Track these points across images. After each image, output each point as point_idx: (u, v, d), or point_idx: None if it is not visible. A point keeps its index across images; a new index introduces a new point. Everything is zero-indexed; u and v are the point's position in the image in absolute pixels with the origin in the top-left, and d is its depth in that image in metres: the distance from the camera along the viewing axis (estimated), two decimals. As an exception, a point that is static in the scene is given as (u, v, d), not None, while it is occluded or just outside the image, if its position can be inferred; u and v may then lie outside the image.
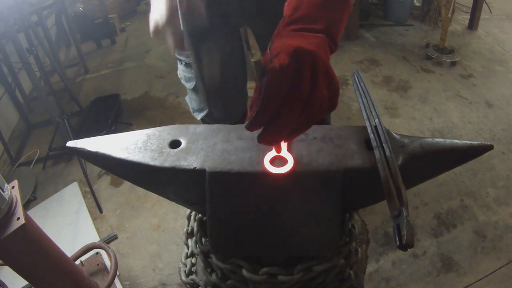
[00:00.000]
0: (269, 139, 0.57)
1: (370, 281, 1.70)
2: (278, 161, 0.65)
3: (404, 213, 0.52)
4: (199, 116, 1.31)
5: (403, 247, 0.50)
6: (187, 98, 1.35)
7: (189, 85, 1.24)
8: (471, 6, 3.70)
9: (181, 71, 1.25)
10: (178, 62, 1.24)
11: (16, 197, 1.14)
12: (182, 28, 1.05)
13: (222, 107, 1.26)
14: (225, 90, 1.22)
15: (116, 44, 4.15)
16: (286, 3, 0.62)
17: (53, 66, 2.80)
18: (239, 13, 1.05)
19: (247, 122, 0.54)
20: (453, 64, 3.21)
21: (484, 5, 3.75)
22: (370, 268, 1.74)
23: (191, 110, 1.34)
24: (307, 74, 0.53)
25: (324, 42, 0.57)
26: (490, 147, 0.65)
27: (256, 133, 0.56)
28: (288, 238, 0.68)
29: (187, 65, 1.20)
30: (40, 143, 2.74)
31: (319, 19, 0.58)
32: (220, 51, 1.13)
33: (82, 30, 4.06)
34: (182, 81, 1.28)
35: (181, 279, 0.86)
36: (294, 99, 0.52)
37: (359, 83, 0.83)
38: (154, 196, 2.06)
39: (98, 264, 1.75)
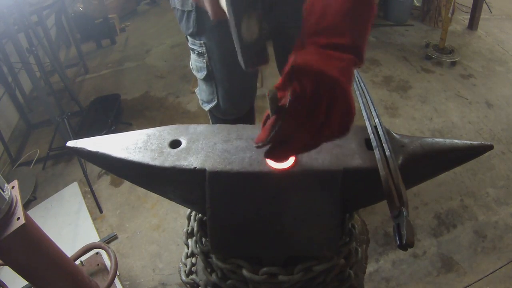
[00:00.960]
0: (277, 157, 0.60)
1: (370, 281, 1.70)
2: None
3: (404, 213, 0.52)
4: (207, 107, 1.34)
5: (403, 246, 0.50)
6: (197, 90, 1.38)
7: (200, 75, 1.26)
8: (471, 6, 3.70)
9: (193, 60, 1.27)
10: (191, 52, 1.26)
11: (16, 197, 1.14)
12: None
13: (230, 96, 1.28)
14: (235, 82, 1.24)
15: (116, 44, 4.15)
16: (308, 5, 0.58)
17: (53, 66, 2.80)
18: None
19: (263, 146, 0.56)
20: (453, 64, 3.21)
21: (484, 5, 3.75)
22: (370, 268, 1.74)
23: (200, 102, 1.37)
24: (325, 101, 0.52)
25: (350, 65, 0.54)
26: (490, 147, 0.65)
27: (256, 132, 0.57)
28: (288, 238, 0.68)
29: (199, 54, 1.21)
30: (40, 143, 2.74)
31: (346, 31, 0.55)
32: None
33: (82, 30, 4.06)
34: (194, 72, 1.30)
35: (181, 279, 0.86)
36: (309, 124, 0.53)
37: (359, 83, 0.83)
38: (154, 196, 2.06)
39: (98, 264, 1.75)
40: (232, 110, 1.33)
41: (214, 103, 1.29)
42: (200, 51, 1.20)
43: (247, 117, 1.44)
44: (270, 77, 3.17)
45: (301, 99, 0.51)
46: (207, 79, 1.25)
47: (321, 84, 0.51)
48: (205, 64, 1.21)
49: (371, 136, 0.66)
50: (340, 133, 0.55)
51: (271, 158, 0.59)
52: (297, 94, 0.51)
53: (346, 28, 0.55)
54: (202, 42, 1.17)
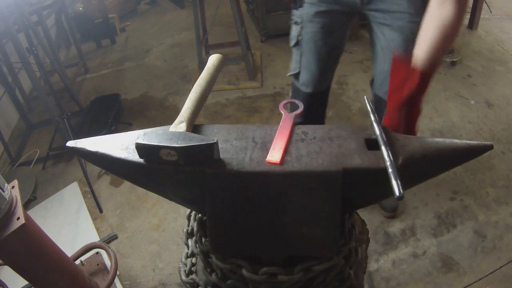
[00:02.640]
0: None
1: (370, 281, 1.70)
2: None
3: (395, 166, 0.59)
4: (290, 73, 1.54)
5: (401, 197, 0.57)
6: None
7: (292, 43, 1.47)
8: (471, 6, 3.70)
9: (292, 29, 1.47)
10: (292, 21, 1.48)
11: (16, 197, 1.14)
12: None
13: (311, 69, 1.47)
14: (318, 57, 1.44)
15: (116, 44, 4.15)
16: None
17: (53, 66, 2.80)
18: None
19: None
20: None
21: (484, 5, 3.75)
22: (370, 268, 1.75)
23: (289, 70, 1.57)
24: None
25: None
26: (490, 147, 0.65)
27: (255, 133, 0.56)
28: (288, 238, 0.68)
29: (296, 23, 1.43)
30: (40, 143, 2.74)
31: (437, 64, 0.87)
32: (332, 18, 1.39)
33: (82, 30, 4.07)
34: (290, 41, 1.49)
35: (181, 279, 0.86)
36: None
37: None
38: (154, 196, 2.06)
39: (98, 264, 1.75)
40: (310, 82, 1.50)
41: (296, 71, 1.48)
42: (296, 21, 1.42)
43: (321, 95, 1.63)
44: (270, 78, 3.17)
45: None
46: (296, 47, 1.45)
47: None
48: (297, 33, 1.40)
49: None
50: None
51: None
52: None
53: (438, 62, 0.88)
54: (300, 13, 1.38)
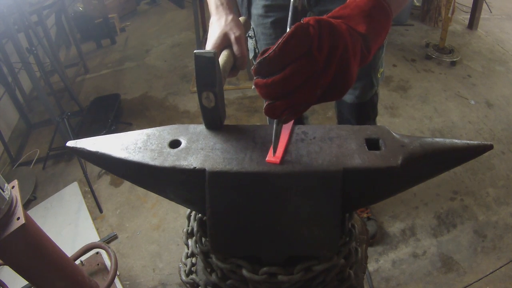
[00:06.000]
0: (275, 112, 0.57)
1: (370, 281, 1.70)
2: None
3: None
4: (253, 85, 1.46)
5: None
6: None
7: (250, 56, 1.43)
8: (471, 6, 3.71)
9: (248, 41, 1.41)
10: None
11: (16, 197, 1.14)
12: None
13: None
14: None
15: (116, 44, 4.15)
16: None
17: (53, 66, 2.80)
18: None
19: (258, 59, 0.53)
20: (453, 64, 3.21)
21: (484, 5, 3.75)
22: (370, 268, 1.75)
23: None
24: (326, 47, 0.53)
25: (358, 40, 0.58)
26: (490, 147, 0.65)
27: (255, 133, 0.56)
28: (288, 238, 0.68)
29: (250, 37, 1.38)
30: (40, 143, 2.74)
31: (361, 24, 0.59)
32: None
33: (82, 30, 4.07)
34: (249, 54, 1.45)
35: (181, 279, 0.86)
36: (307, 65, 0.52)
37: None
38: (154, 196, 2.06)
39: (98, 264, 1.75)
40: None
41: None
42: (250, 34, 1.36)
43: None
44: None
45: (303, 26, 0.52)
46: (254, 60, 1.45)
47: (325, 28, 0.53)
48: (253, 46, 1.38)
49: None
50: (335, 89, 0.56)
51: (270, 113, 0.57)
52: (302, 23, 0.52)
53: (362, 22, 0.60)
54: (252, 26, 1.33)
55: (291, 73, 0.52)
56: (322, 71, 0.54)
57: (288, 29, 0.54)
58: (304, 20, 0.53)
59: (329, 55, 0.54)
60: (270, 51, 0.52)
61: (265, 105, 0.57)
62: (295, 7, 0.59)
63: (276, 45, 0.52)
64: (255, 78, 0.56)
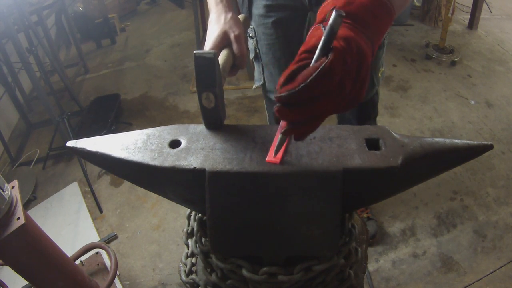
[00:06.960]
0: (296, 117, 0.55)
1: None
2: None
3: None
4: (255, 85, 1.50)
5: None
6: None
7: (250, 56, 1.42)
8: (471, 6, 3.70)
9: (249, 41, 1.39)
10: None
11: (16, 197, 1.14)
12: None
13: (275, 78, 1.42)
14: (279, 66, 1.37)
15: (116, 44, 4.15)
16: None
17: (53, 66, 2.80)
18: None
19: (285, 91, 0.51)
20: (453, 64, 3.21)
21: (484, 5, 3.75)
22: (370, 268, 1.74)
23: (255, 82, 1.53)
24: (354, 72, 0.54)
25: (370, 50, 0.58)
26: (490, 147, 0.65)
27: (255, 133, 0.56)
28: (288, 238, 0.68)
29: (250, 37, 1.37)
30: (40, 143, 2.74)
31: (369, 26, 0.58)
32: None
33: (82, 30, 4.07)
34: (250, 54, 1.44)
35: (181, 279, 0.86)
36: (336, 98, 0.53)
37: None
38: (154, 196, 2.07)
39: (98, 264, 1.75)
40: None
41: (261, 82, 1.45)
42: (250, 34, 1.35)
43: None
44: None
45: (343, 53, 0.52)
46: (255, 60, 1.41)
47: (357, 53, 0.54)
48: (253, 46, 1.37)
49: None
50: (350, 106, 0.57)
51: (290, 133, 0.57)
52: (342, 48, 0.52)
53: (370, 23, 0.59)
54: (252, 27, 1.32)
55: (320, 106, 0.53)
56: (346, 95, 0.55)
57: (318, 51, 0.52)
58: (334, 43, 0.51)
59: (354, 81, 0.54)
60: (299, 82, 0.50)
61: (285, 126, 0.57)
62: (331, 27, 0.51)
63: (309, 77, 0.49)
64: (278, 104, 0.54)
